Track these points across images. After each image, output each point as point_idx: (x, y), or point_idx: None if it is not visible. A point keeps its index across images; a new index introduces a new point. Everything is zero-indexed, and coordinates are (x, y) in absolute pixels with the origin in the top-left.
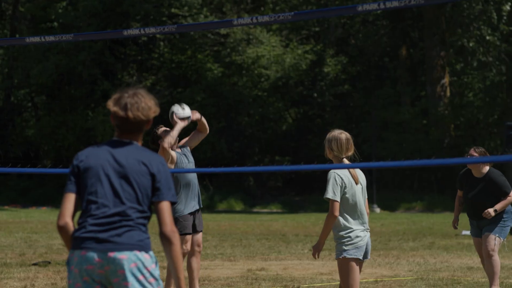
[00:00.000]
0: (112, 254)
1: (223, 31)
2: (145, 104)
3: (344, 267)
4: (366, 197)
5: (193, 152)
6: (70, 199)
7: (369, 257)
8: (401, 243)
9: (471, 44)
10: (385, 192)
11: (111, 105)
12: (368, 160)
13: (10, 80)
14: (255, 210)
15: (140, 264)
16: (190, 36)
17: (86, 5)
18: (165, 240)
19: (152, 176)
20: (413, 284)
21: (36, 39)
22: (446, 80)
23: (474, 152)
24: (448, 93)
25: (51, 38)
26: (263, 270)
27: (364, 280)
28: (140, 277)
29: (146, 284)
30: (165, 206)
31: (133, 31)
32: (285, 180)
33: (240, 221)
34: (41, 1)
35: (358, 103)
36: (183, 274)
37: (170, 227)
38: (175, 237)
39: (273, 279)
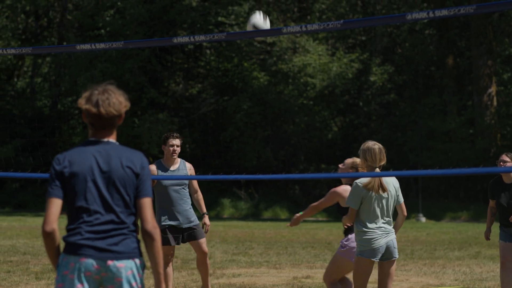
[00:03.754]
0: (111, 263)
1: (269, 39)
2: (116, 99)
3: (357, 266)
4: (402, 201)
5: (238, 159)
6: (56, 204)
7: (396, 255)
8: (447, 252)
9: None
10: (431, 201)
11: (82, 103)
12: (414, 169)
13: (57, 88)
14: None
15: (134, 271)
16: (237, 44)
17: (134, 13)
18: (147, 236)
19: (137, 175)
20: None
21: (86, 46)
22: (493, 89)
23: (506, 158)
24: (494, 103)
25: (101, 46)
26: (308, 278)
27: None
28: (133, 284)
29: None
30: (147, 202)
31: (183, 39)
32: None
33: (286, 229)
34: (88, 9)
35: (404, 112)
36: (163, 269)
37: (151, 223)
38: (157, 233)
39: (319, 287)
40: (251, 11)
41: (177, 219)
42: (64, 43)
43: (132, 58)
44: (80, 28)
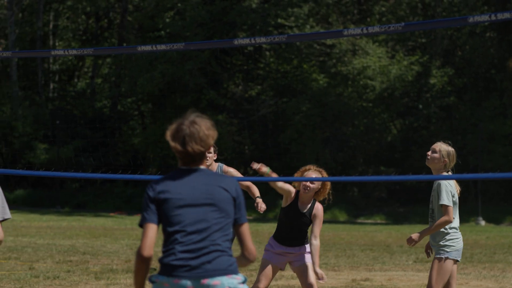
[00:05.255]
0: (205, 281)
1: (329, 41)
2: (203, 133)
3: (443, 267)
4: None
5: (297, 161)
6: (152, 230)
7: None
8: (507, 256)
9: None
10: (490, 205)
11: (169, 139)
12: (474, 172)
13: (117, 89)
14: (359, 220)
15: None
16: (296, 46)
17: (194, 15)
18: (245, 259)
19: (234, 200)
20: None
21: (147, 47)
22: None
23: None
24: None
25: (162, 47)
26: (367, 280)
27: None
28: None
29: None
30: (245, 228)
31: (244, 41)
32: (390, 191)
33: (344, 231)
34: (149, 10)
35: (464, 115)
36: None
37: (250, 249)
38: (253, 256)
39: None
40: (310, 13)
41: None
42: (124, 44)
43: (192, 60)
44: (140, 29)
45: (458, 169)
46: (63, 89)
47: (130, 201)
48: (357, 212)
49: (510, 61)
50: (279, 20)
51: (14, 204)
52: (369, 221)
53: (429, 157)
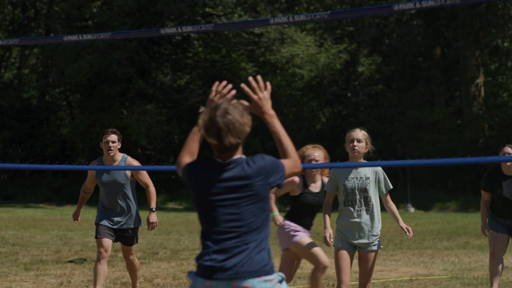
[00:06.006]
0: (236, 284)
1: (257, 30)
2: (239, 123)
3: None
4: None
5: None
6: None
7: None
8: (436, 243)
9: (505, 44)
10: (419, 192)
11: (203, 133)
12: (402, 159)
13: (45, 79)
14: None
15: None
16: (225, 35)
17: (121, 4)
18: None
19: (269, 184)
20: (448, 283)
21: (73, 37)
22: (480, 80)
23: (510, 149)
24: (482, 93)
25: (88, 37)
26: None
27: (399, 279)
28: None
29: None
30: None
31: (170, 30)
32: None
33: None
34: (76, 0)
35: (392, 102)
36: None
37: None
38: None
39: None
40: (238, 2)
41: (111, 221)
42: (52, 34)
43: (120, 49)
44: (67, 20)
45: (386, 156)
46: None
47: (59, 191)
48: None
49: (437, 49)
50: (207, 9)
51: None
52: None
53: (356, 147)
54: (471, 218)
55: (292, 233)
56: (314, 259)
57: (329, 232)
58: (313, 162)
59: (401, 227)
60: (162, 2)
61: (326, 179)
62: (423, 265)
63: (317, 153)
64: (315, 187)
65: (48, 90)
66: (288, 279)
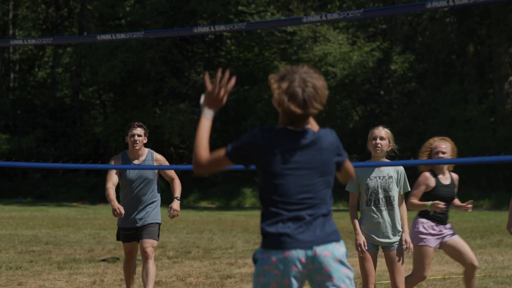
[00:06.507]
0: (317, 252)
1: (290, 28)
2: (320, 89)
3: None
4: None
5: None
6: (220, 155)
7: None
8: (469, 241)
9: None
10: (459, 190)
11: (284, 99)
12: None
13: (78, 78)
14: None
15: (342, 258)
16: (257, 34)
17: (154, 2)
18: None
19: (338, 155)
20: (481, 281)
21: (107, 36)
22: None
23: None
24: None
25: (121, 36)
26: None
27: (432, 277)
28: (343, 271)
29: (350, 276)
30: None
31: (203, 29)
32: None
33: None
34: None
35: (425, 100)
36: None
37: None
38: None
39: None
40: (271, 1)
41: (134, 220)
42: (85, 33)
43: (153, 48)
44: (101, 18)
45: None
46: (23, 79)
47: (92, 190)
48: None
49: (470, 46)
50: (240, 8)
51: None
52: (335, 207)
53: (379, 145)
54: (504, 216)
55: (421, 235)
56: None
57: (363, 239)
58: (440, 154)
59: (402, 238)
60: (195, 0)
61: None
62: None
63: (444, 145)
64: (445, 179)
65: (82, 89)
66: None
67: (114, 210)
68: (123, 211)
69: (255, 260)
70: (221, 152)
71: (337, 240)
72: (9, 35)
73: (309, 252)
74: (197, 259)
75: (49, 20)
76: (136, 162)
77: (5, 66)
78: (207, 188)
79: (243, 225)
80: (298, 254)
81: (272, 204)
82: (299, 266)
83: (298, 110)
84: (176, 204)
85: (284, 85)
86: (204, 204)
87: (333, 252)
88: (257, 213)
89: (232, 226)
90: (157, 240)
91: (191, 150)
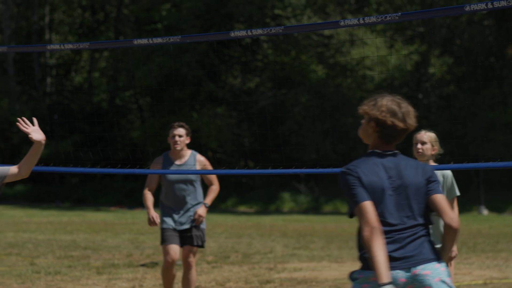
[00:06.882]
0: (416, 271)
1: (327, 32)
2: (409, 107)
3: None
4: None
5: (297, 153)
6: (371, 205)
7: None
8: (510, 245)
9: None
10: (493, 194)
11: (387, 117)
12: (475, 161)
13: (115, 83)
14: None
15: (443, 277)
16: (294, 37)
17: (190, 6)
18: (448, 228)
19: (429, 183)
20: None
21: (143, 41)
22: None
23: None
24: None
25: (158, 40)
26: None
27: (473, 283)
28: None
29: None
30: (439, 197)
31: (240, 33)
32: None
33: (346, 223)
34: (145, 3)
35: (464, 104)
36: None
37: (450, 215)
38: (456, 223)
39: None
40: (308, 3)
41: (178, 222)
42: (121, 38)
43: (189, 52)
44: (137, 22)
45: (459, 158)
46: (60, 84)
47: (130, 195)
48: None
49: (509, 49)
50: (276, 11)
51: (14, 200)
52: None
53: (420, 150)
54: None
55: None
56: None
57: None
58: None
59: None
60: (232, 4)
61: None
62: (497, 269)
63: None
64: None
65: (118, 93)
66: None
67: (149, 219)
68: (158, 220)
69: (352, 279)
70: (358, 210)
71: (437, 259)
72: (45, 39)
73: (409, 272)
74: (236, 264)
75: (85, 25)
76: (177, 163)
77: (42, 70)
78: (245, 193)
79: (281, 230)
80: (398, 274)
81: None
82: (399, 285)
83: (400, 124)
84: (202, 210)
85: (383, 107)
86: (242, 208)
87: (433, 272)
88: (296, 217)
89: (270, 231)
90: (201, 247)
91: (229, 154)
